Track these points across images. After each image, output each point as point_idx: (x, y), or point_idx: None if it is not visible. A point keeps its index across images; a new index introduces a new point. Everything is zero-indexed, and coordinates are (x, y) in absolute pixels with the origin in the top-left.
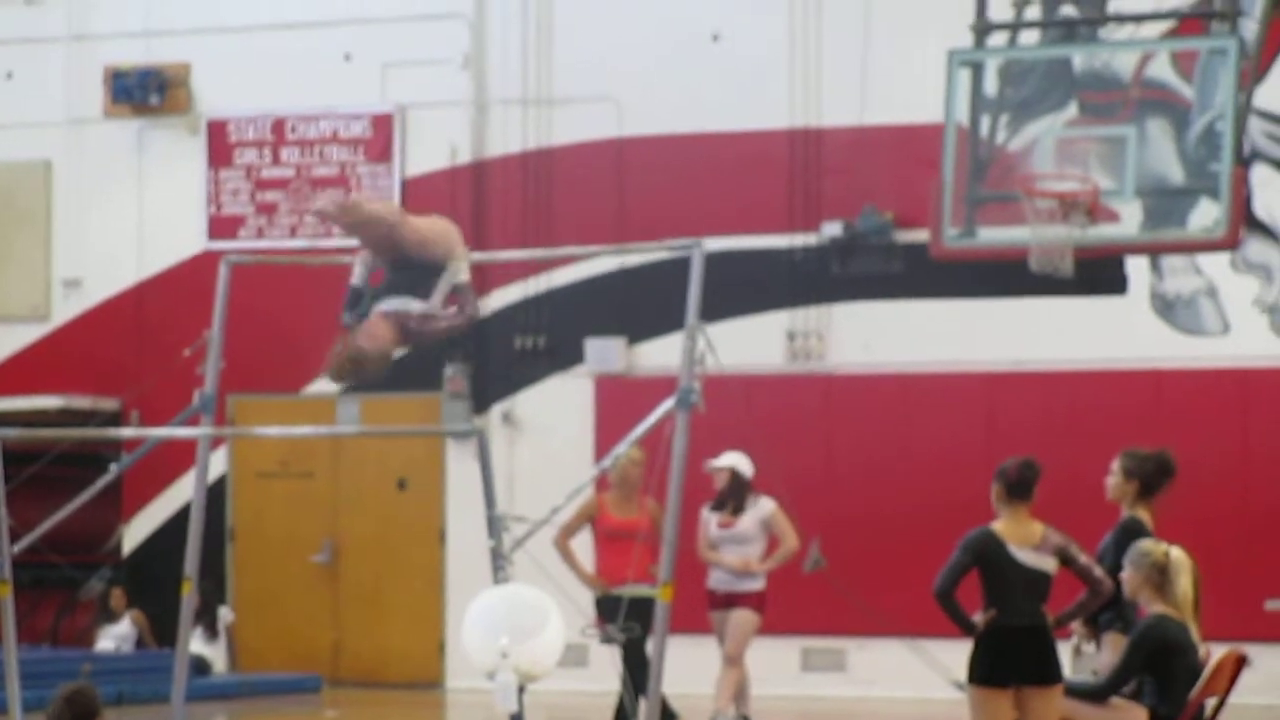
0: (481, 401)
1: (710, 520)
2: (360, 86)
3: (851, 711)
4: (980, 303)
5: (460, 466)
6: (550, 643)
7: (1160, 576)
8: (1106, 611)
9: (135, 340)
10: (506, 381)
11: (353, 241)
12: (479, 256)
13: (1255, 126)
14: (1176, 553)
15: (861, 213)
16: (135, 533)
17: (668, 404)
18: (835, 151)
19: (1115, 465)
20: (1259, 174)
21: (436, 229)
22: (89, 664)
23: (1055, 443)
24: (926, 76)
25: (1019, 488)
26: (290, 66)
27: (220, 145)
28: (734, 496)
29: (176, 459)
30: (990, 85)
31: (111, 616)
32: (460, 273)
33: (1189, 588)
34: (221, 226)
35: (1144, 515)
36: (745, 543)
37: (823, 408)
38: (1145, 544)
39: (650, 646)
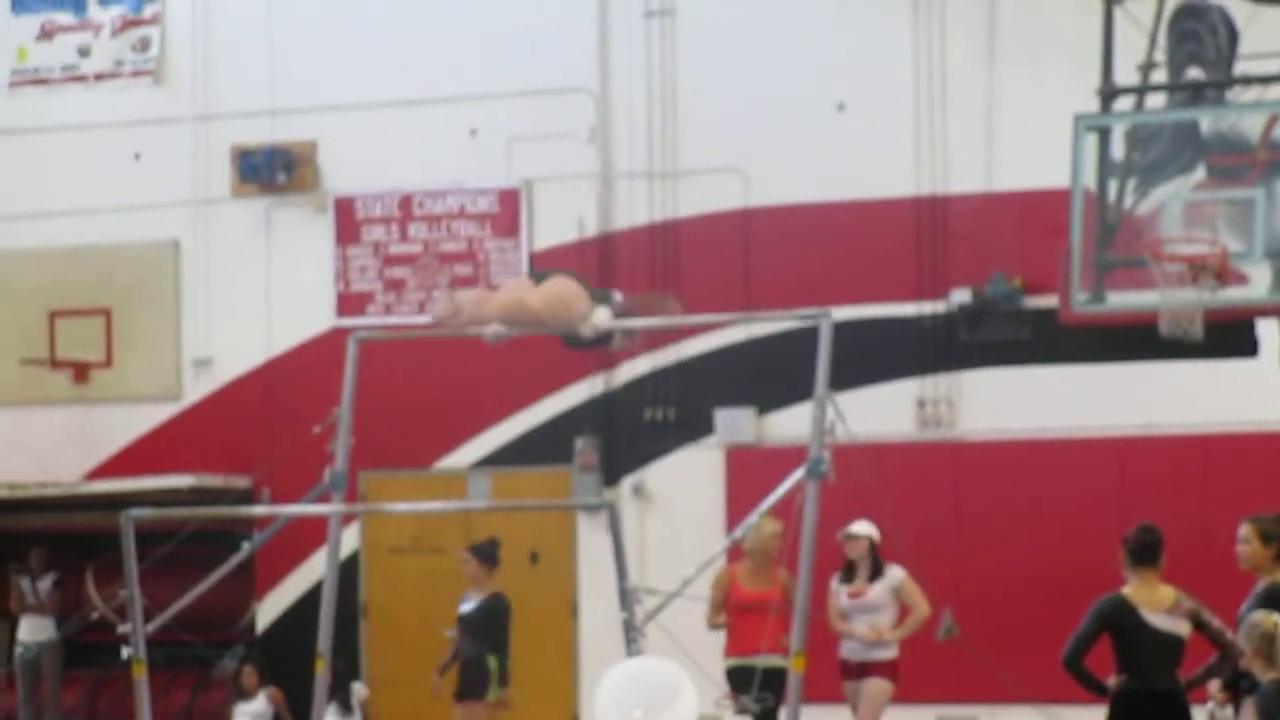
0: (612, 474)
1: (840, 591)
2: (486, 162)
3: None
4: (1110, 367)
5: (591, 539)
6: (684, 714)
7: (1270, 647)
8: (1246, 678)
9: (265, 418)
10: (637, 454)
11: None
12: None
13: None
14: None
15: (990, 279)
16: (268, 610)
17: (798, 474)
18: (962, 218)
19: (1247, 532)
20: None
21: (551, 297)
22: None
23: (1187, 507)
24: (1053, 142)
25: (1142, 553)
26: (416, 143)
27: (347, 222)
28: (868, 565)
29: (308, 536)
30: (1117, 149)
31: (244, 695)
32: (587, 330)
33: None
34: (349, 303)
35: None
36: (876, 611)
37: (953, 474)
38: (1255, 616)
39: (784, 717)
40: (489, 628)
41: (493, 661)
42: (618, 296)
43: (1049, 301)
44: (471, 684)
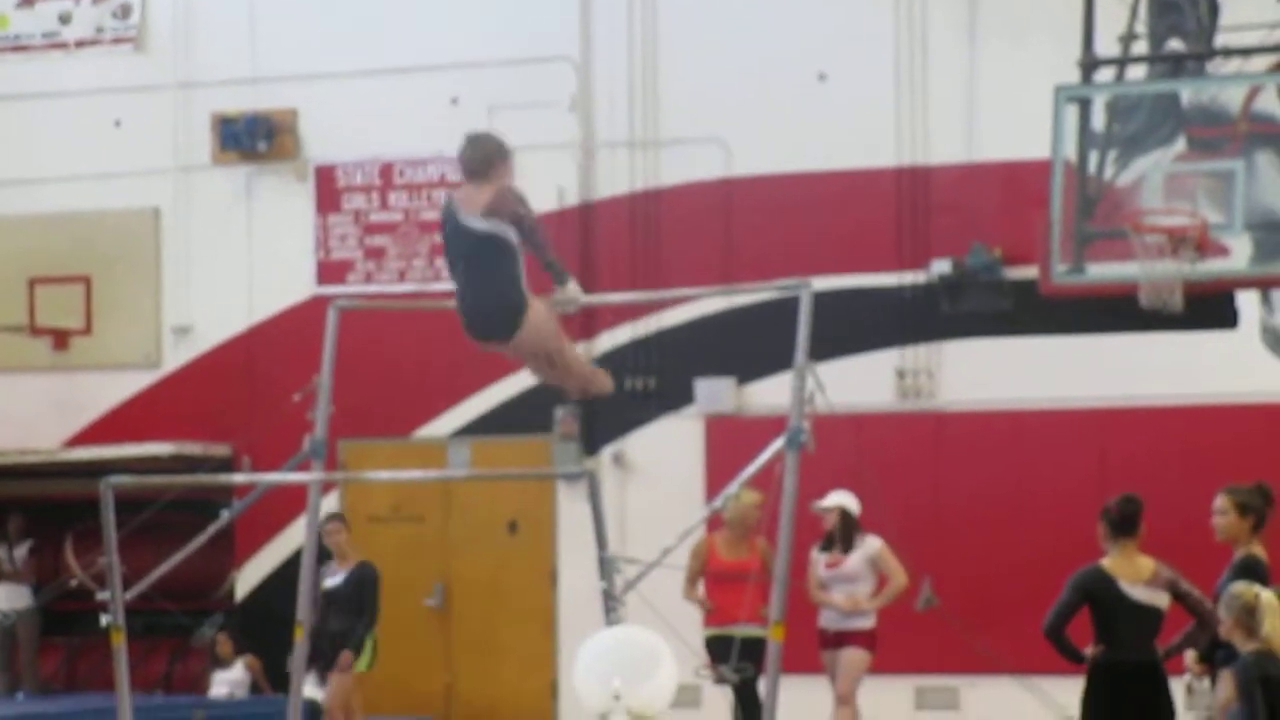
0: (592, 443)
1: (819, 560)
2: (467, 130)
3: None
4: (1090, 339)
5: (571, 508)
6: (663, 684)
7: (1250, 618)
8: (1222, 649)
9: (246, 386)
10: (617, 423)
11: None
12: (588, 299)
13: None
14: (1267, 595)
15: (970, 250)
16: (248, 578)
17: (778, 444)
18: (943, 189)
19: (1224, 503)
20: None
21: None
22: (202, 710)
23: (1167, 478)
24: (1034, 113)
25: (1123, 524)
26: (397, 111)
27: (328, 190)
28: (842, 536)
29: (288, 504)
30: (1098, 121)
31: (221, 663)
32: (573, 307)
33: (1278, 627)
34: (330, 271)
35: (1260, 551)
36: (853, 581)
37: (933, 446)
38: (1236, 587)
39: (763, 687)
40: (359, 599)
41: (369, 636)
42: None
43: (1029, 272)
44: (333, 657)
